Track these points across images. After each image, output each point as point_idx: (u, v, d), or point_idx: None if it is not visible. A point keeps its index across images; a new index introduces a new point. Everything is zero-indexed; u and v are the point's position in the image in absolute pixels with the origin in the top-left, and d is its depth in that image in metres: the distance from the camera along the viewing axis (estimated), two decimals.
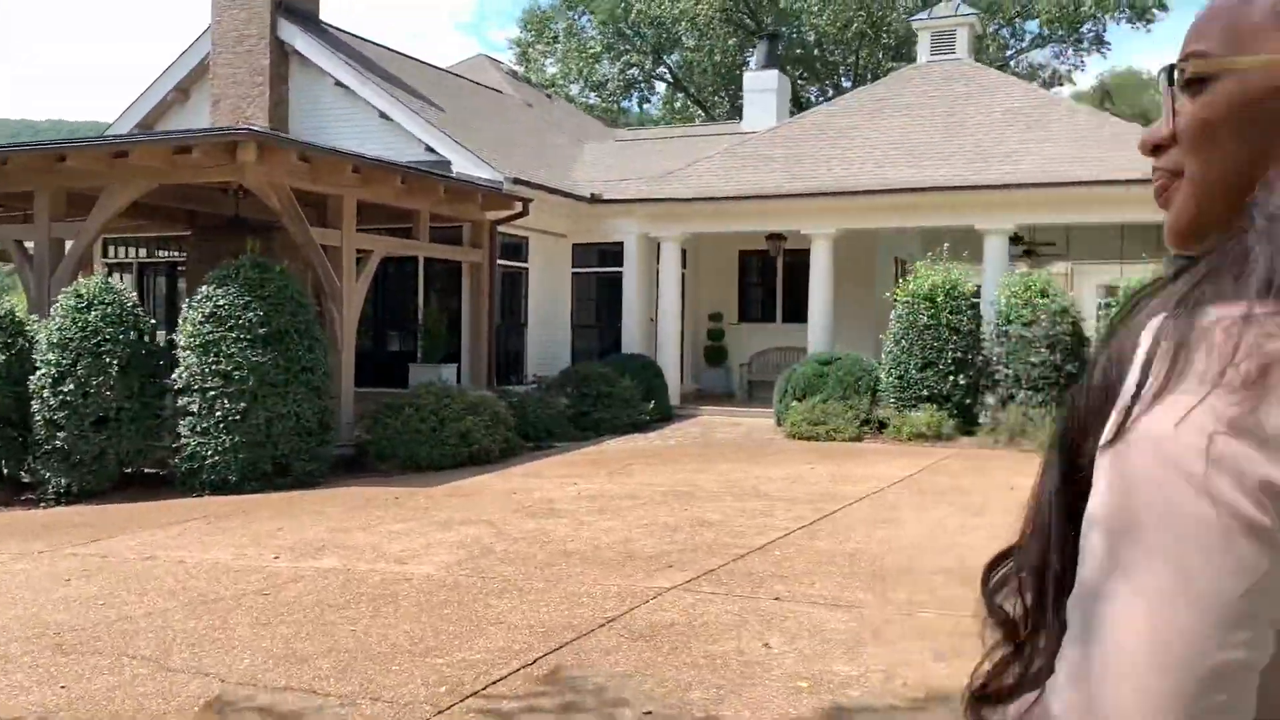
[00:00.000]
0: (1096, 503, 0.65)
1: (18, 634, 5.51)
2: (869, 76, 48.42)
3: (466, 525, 8.45)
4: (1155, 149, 0.82)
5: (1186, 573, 0.59)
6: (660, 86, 51.82)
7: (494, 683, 4.60)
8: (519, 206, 15.81)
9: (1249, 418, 0.59)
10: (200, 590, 6.45)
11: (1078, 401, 0.74)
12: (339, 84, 16.27)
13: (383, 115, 16.08)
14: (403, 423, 12.21)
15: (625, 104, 50.26)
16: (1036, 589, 0.75)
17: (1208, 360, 0.61)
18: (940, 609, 5.64)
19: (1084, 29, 46.75)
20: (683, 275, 18.57)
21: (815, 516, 8.54)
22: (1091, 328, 14.79)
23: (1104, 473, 0.65)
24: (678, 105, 52.78)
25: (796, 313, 20.17)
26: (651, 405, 16.06)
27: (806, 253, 18.00)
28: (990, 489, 9.98)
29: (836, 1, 42.78)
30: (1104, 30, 47.34)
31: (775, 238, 18.81)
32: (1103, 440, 0.66)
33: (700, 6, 43.95)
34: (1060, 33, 46.96)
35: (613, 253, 18.72)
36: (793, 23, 48.86)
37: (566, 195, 17.11)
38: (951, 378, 14.42)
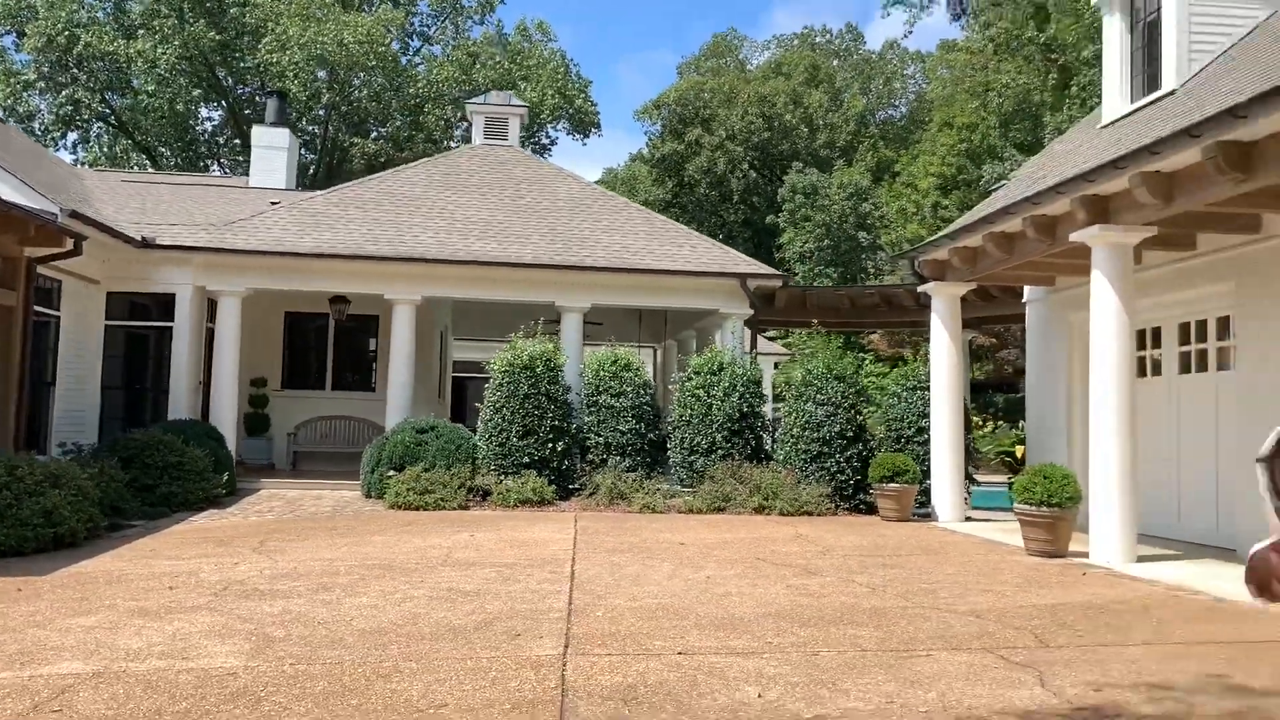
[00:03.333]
0: None
1: None
2: (331, 148, 48.23)
3: (184, 614, 7.03)
4: None
5: None
6: (101, 127, 46.34)
7: None
8: (70, 244, 13.41)
9: None
10: None
11: None
12: None
13: None
14: None
15: (60, 142, 44.02)
16: None
17: None
18: (842, 649, 6.10)
19: (538, 134, 51.18)
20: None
21: (561, 579, 8.49)
22: None
23: None
24: (118, 150, 47.65)
25: (348, 380, 19.51)
26: (225, 478, 14.38)
27: (362, 319, 17.64)
28: (667, 545, 10.66)
29: (305, 73, 42.09)
30: (553, 140, 52.29)
31: (339, 300, 18.07)
32: None
33: (161, 51, 40.45)
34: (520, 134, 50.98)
35: (144, 305, 16.60)
36: (254, 83, 47.19)
37: (118, 236, 14.87)
38: (551, 445, 14.99)
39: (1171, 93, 11.32)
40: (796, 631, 6.52)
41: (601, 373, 15.50)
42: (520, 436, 14.95)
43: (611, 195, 19.64)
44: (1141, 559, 9.86)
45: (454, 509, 14.03)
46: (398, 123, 48.89)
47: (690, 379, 15.49)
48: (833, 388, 14.80)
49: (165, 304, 16.19)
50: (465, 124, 53.22)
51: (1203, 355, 11.74)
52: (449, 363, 23.90)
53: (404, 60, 49.66)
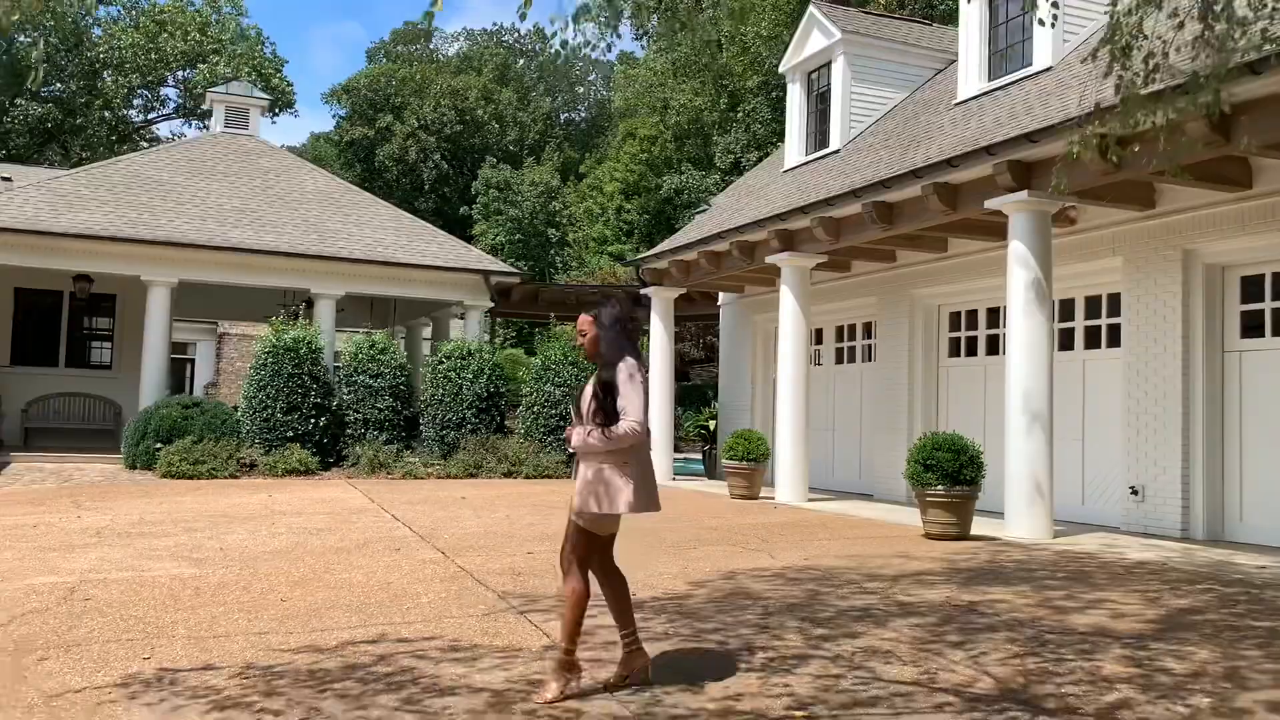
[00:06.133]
0: (618, 382, 4.53)
1: None
2: None
3: (91, 549, 8.38)
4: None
5: (636, 387, 4.51)
6: None
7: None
8: None
9: (636, 372, 4.56)
10: None
11: (601, 379, 4.60)
12: None
13: None
14: None
15: None
16: (599, 411, 4.57)
17: (628, 369, 4.55)
18: (644, 546, 8.68)
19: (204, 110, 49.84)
20: None
21: (389, 520, 10.48)
22: None
23: (621, 379, 4.53)
24: None
25: (83, 358, 19.72)
26: None
27: (96, 297, 18.15)
28: (451, 499, 12.79)
29: None
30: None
31: (83, 279, 18.34)
32: (620, 376, 4.54)
33: None
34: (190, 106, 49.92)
35: None
36: None
37: None
38: (314, 420, 16.51)
39: (836, 151, 14.97)
40: None
41: (360, 355, 17.20)
42: (284, 413, 16.34)
43: (358, 190, 21.13)
44: (810, 499, 13.32)
45: (227, 477, 15.26)
46: (73, 87, 46.04)
47: (442, 363, 17.55)
48: (568, 371, 17.46)
49: None
50: (145, 93, 50.94)
51: (852, 351, 15.56)
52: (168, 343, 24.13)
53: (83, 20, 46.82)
